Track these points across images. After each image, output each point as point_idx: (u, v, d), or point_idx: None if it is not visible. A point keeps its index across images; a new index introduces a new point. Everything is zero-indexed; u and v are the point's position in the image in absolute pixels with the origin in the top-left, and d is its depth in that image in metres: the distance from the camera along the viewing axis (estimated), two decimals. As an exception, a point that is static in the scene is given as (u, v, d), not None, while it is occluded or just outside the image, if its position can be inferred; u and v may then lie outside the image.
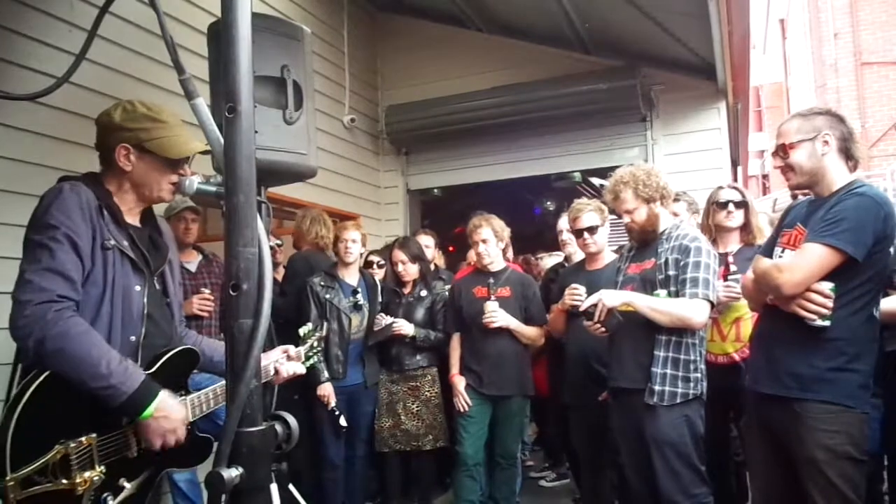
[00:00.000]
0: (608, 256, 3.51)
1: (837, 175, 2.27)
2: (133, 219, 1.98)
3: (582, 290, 3.21)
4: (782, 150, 2.33)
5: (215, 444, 2.05)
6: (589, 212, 3.43)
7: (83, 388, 1.67)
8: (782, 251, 2.34)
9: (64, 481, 1.62)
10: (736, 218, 3.32)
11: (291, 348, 2.31)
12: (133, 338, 1.87)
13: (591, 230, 3.43)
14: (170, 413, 1.78)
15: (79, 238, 1.75)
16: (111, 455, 1.74)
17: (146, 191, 1.96)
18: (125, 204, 1.95)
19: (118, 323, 1.83)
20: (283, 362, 2.23)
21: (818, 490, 2.15)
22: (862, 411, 2.16)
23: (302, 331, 2.57)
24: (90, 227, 1.79)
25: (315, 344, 2.57)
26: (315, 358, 2.55)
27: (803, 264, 2.17)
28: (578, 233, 3.48)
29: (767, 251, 2.42)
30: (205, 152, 1.98)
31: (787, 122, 2.37)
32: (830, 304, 2.12)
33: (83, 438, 1.67)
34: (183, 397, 1.91)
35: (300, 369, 2.29)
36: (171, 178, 1.96)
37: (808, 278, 2.15)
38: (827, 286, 2.13)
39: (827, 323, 2.15)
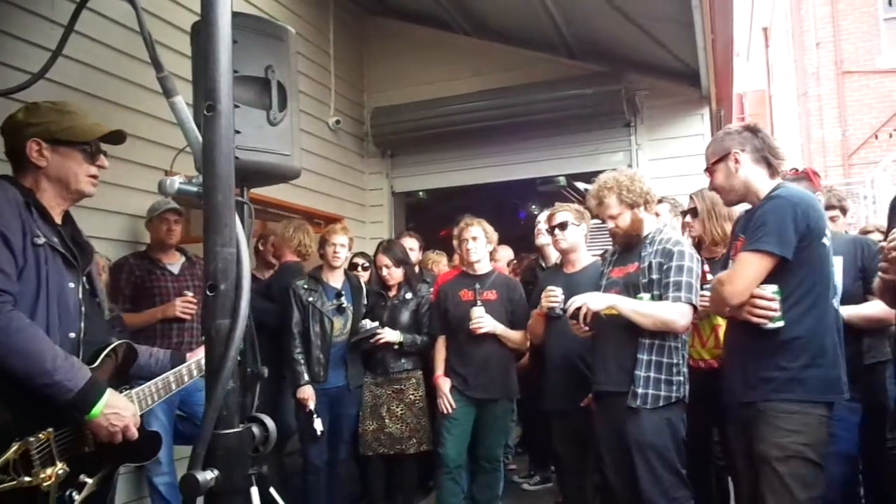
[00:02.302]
0: (585, 259, 3.50)
1: (760, 184, 2.40)
2: (56, 218, 1.93)
3: (558, 291, 3.22)
4: (708, 175, 2.52)
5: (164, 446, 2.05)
6: (564, 210, 3.46)
7: (27, 384, 1.63)
8: (732, 262, 2.45)
9: (27, 479, 1.59)
10: (693, 228, 3.28)
11: None
12: (73, 334, 1.84)
13: (562, 226, 3.43)
14: (120, 410, 1.76)
15: (10, 233, 1.71)
16: (69, 450, 1.72)
17: (66, 185, 1.92)
18: (45, 203, 1.90)
19: (55, 320, 1.79)
20: None
21: (769, 489, 2.20)
22: (827, 402, 2.22)
23: None
24: (20, 223, 1.74)
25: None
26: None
27: (740, 273, 2.30)
28: (552, 230, 3.51)
29: (725, 265, 2.53)
30: (106, 136, 1.95)
31: (706, 149, 2.55)
32: (775, 305, 2.22)
33: (41, 434, 1.64)
34: (128, 391, 1.90)
35: None
36: (89, 170, 1.93)
37: (747, 286, 2.26)
38: (770, 289, 2.23)
39: (780, 324, 2.23)
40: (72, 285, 1.87)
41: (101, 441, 1.78)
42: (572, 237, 3.46)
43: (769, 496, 2.20)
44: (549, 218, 3.52)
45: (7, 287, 1.68)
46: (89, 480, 1.74)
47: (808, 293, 2.26)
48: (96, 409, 1.71)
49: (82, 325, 1.87)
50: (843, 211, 3.48)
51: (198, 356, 2.23)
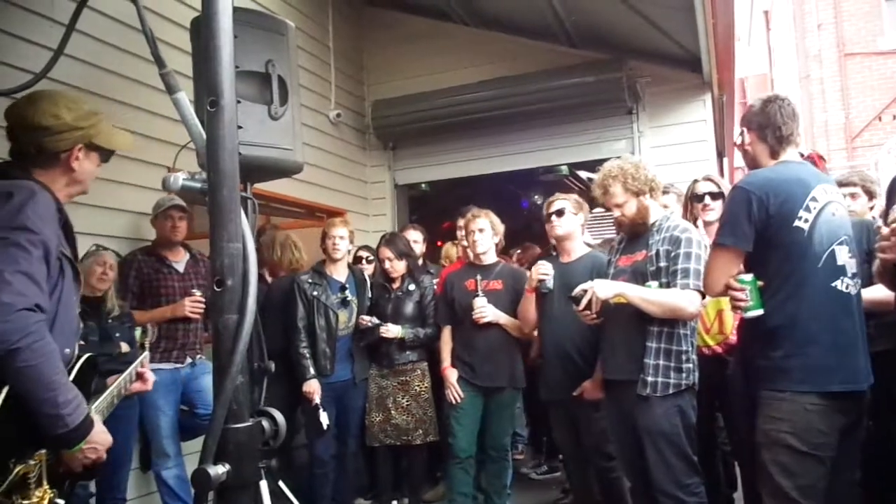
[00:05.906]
0: (580, 249, 3.47)
1: (764, 163, 2.38)
2: None
3: (548, 266, 3.27)
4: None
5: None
6: (562, 199, 3.45)
7: (32, 407, 1.58)
8: None
9: (24, 502, 1.58)
10: (714, 210, 3.26)
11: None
12: (68, 350, 1.76)
13: (559, 213, 3.39)
14: (97, 444, 1.72)
15: (51, 247, 1.66)
16: (51, 470, 1.68)
17: (81, 185, 1.87)
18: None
19: (60, 337, 1.70)
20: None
21: (759, 476, 2.19)
22: (822, 391, 2.12)
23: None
24: (56, 234, 1.69)
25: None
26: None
27: (708, 266, 2.39)
28: (548, 217, 3.48)
29: None
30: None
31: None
32: (742, 295, 2.19)
33: (36, 455, 1.62)
34: (88, 405, 1.85)
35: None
36: (97, 172, 1.89)
37: (717, 278, 2.28)
38: (746, 278, 2.20)
39: (757, 312, 2.19)
40: (75, 298, 1.82)
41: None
42: (567, 224, 3.42)
43: (759, 483, 2.20)
44: (548, 206, 3.49)
45: (43, 303, 1.61)
46: (61, 501, 1.72)
47: (786, 280, 2.19)
48: (78, 447, 1.67)
49: (77, 340, 1.83)
50: (867, 192, 3.37)
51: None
